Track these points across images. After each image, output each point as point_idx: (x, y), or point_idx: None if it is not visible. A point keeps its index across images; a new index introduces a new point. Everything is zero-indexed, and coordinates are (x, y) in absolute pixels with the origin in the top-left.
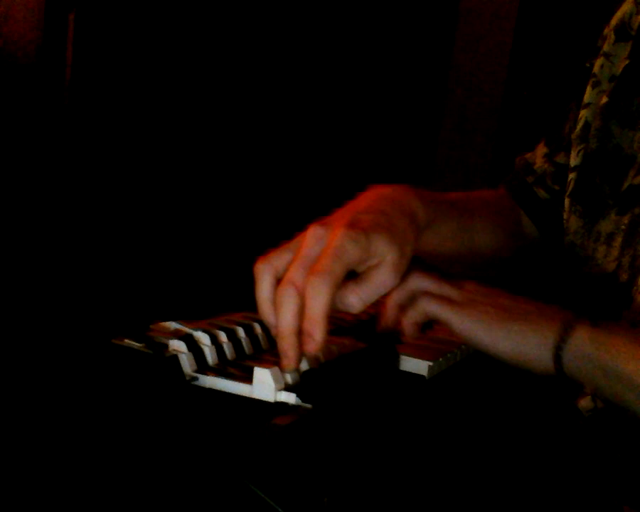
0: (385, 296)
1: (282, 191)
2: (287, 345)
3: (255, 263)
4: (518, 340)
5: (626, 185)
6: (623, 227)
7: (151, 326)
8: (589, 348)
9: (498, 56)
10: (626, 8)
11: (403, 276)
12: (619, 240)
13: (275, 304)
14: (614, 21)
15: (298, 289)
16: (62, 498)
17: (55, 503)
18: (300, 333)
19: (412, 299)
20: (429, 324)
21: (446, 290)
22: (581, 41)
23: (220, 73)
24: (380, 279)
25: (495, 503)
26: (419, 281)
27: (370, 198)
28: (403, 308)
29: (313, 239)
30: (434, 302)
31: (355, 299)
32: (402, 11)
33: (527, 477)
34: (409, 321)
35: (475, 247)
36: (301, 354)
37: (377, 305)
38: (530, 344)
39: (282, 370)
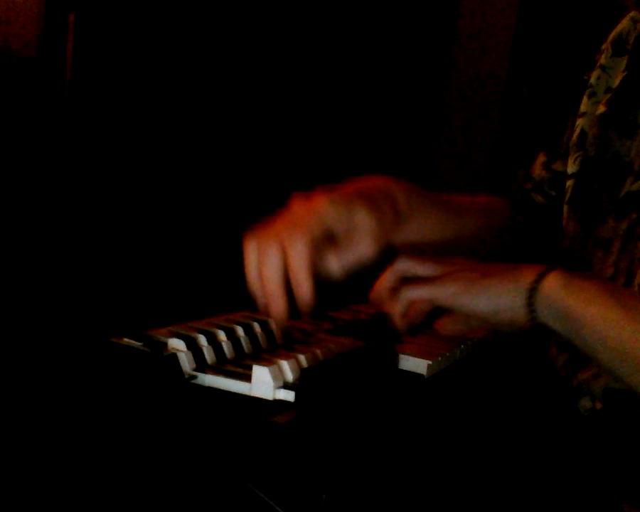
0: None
1: (282, 191)
2: (273, 292)
3: (243, 238)
4: (494, 293)
5: (623, 191)
6: (620, 232)
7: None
8: (559, 293)
9: (498, 56)
10: (623, 24)
11: (389, 263)
12: (616, 245)
13: (259, 261)
14: (611, 36)
15: (279, 244)
16: (62, 496)
17: (54, 502)
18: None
19: (396, 291)
20: (428, 324)
21: (430, 267)
22: (581, 41)
23: (221, 72)
24: (360, 246)
25: (494, 502)
26: (404, 263)
27: (354, 182)
28: (393, 291)
29: (296, 205)
30: (415, 286)
31: (335, 262)
32: (402, 10)
33: (526, 476)
34: (398, 313)
35: (464, 240)
36: (288, 307)
37: (377, 305)
38: (506, 296)
39: (272, 318)
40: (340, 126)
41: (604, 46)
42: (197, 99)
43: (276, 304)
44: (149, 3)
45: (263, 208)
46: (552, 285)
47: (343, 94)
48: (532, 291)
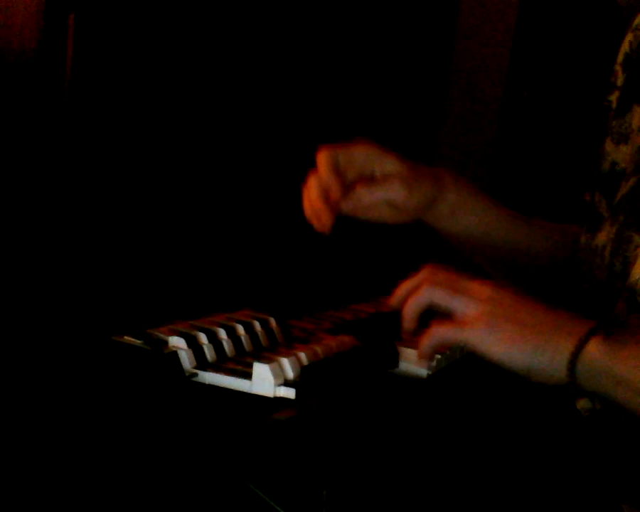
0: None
1: (282, 187)
2: (315, 208)
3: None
4: (533, 355)
5: (618, 196)
6: (612, 236)
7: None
8: (602, 362)
9: (498, 56)
10: (628, 39)
11: (417, 272)
12: (608, 249)
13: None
14: (619, 57)
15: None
16: (62, 494)
17: (54, 500)
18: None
19: (427, 327)
20: (428, 323)
21: (460, 304)
22: (581, 41)
23: (221, 72)
24: (389, 183)
25: (494, 501)
26: (431, 292)
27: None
28: (418, 318)
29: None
30: (447, 327)
31: (365, 190)
32: (402, 10)
33: (526, 476)
34: (426, 348)
35: (521, 251)
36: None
37: (378, 305)
38: (545, 359)
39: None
40: (338, 127)
41: (616, 67)
42: (198, 100)
43: (320, 220)
44: (150, 3)
45: (263, 206)
46: (595, 352)
47: (342, 96)
48: (574, 358)
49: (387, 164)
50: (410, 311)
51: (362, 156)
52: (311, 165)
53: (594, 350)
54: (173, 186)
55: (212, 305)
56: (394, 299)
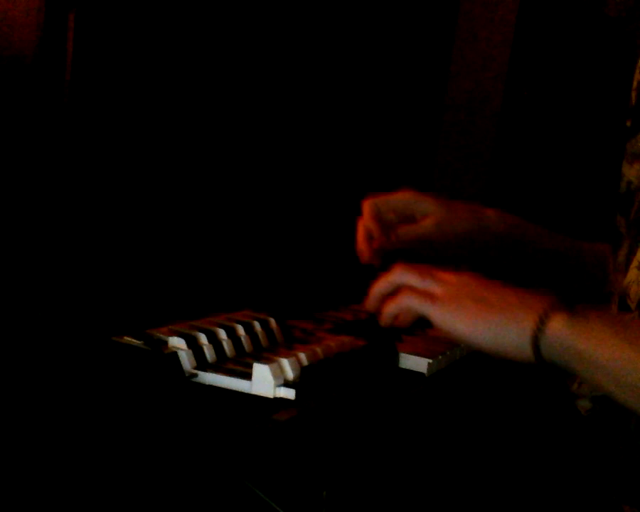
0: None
1: (280, 190)
2: (360, 248)
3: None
4: (497, 332)
5: (632, 214)
6: (626, 251)
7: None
8: (565, 337)
9: (498, 56)
10: (639, 65)
11: (388, 270)
12: (624, 265)
13: None
14: (634, 83)
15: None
16: (62, 494)
17: (54, 500)
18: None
19: (395, 293)
20: (429, 323)
21: (428, 283)
22: (581, 41)
23: (221, 73)
24: (422, 224)
25: (494, 501)
26: (402, 274)
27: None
28: (385, 298)
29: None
30: (415, 298)
31: (401, 231)
32: (401, 10)
33: (526, 476)
34: (389, 313)
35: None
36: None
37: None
38: (509, 335)
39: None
40: (336, 127)
41: (632, 93)
42: (198, 100)
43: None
44: (150, 3)
45: (263, 206)
46: (558, 328)
47: (341, 96)
48: (538, 335)
49: (424, 206)
50: (378, 290)
51: (401, 202)
52: (309, 168)
53: (557, 324)
54: (172, 187)
55: (212, 305)
56: (369, 299)
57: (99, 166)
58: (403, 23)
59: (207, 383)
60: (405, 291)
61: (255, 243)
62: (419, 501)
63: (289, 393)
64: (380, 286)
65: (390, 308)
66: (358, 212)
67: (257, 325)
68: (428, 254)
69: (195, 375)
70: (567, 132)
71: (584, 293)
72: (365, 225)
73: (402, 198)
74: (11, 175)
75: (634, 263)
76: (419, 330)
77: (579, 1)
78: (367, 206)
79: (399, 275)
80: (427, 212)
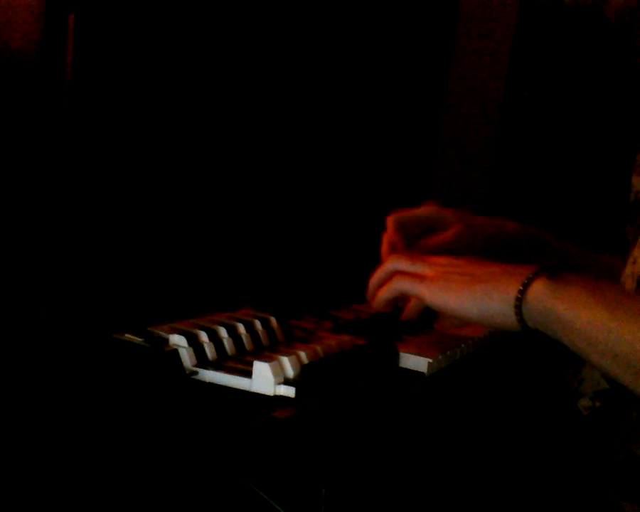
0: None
1: (279, 190)
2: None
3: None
4: (482, 300)
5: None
6: (633, 260)
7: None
8: (545, 300)
9: (498, 56)
10: None
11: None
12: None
13: None
14: None
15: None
16: (62, 493)
17: (54, 499)
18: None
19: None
20: (429, 323)
21: (419, 267)
22: (581, 41)
23: (222, 73)
24: (443, 236)
25: (494, 499)
26: (394, 262)
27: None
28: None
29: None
30: (405, 280)
31: (423, 243)
32: (401, 10)
33: (526, 473)
34: (383, 297)
35: None
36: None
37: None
38: (494, 302)
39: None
40: (335, 127)
41: None
42: (199, 100)
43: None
44: (150, 3)
45: (264, 205)
46: (539, 292)
47: (340, 96)
48: (519, 300)
49: (445, 220)
50: (375, 281)
51: (423, 216)
52: (310, 166)
53: (537, 289)
54: (173, 185)
55: (213, 303)
56: (368, 291)
57: (100, 166)
58: (403, 23)
59: (207, 381)
60: (397, 276)
61: (257, 242)
62: (419, 500)
63: (289, 391)
64: (376, 276)
65: (384, 293)
66: (358, 211)
67: (257, 323)
68: None
69: (196, 373)
70: (568, 132)
71: None
72: (389, 239)
73: (424, 212)
74: (12, 175)
75: (630, 259)
76: (420, 330)
77: (579, 2)
78: (391, 221)
79: (391, 262)
80: (447, 225)
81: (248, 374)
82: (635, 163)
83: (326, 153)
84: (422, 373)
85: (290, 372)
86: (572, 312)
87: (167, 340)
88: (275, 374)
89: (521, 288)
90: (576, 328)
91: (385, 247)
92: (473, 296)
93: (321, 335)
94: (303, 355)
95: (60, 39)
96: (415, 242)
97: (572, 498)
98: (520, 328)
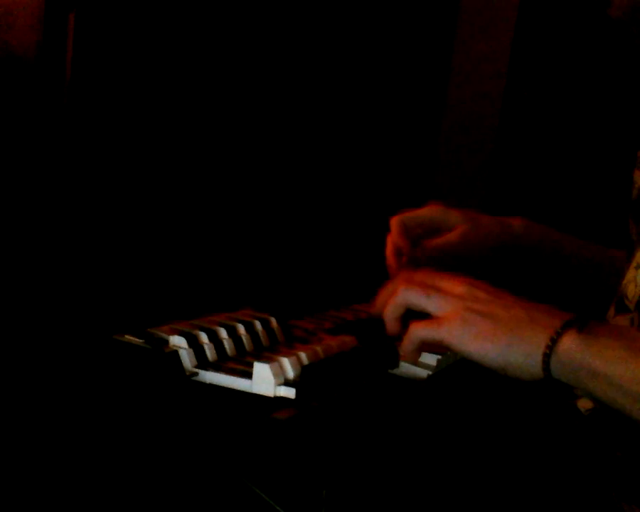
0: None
1: (279, 190)
2: (389, 263)
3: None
4: (507, 349)
5: None
6: (638, 259)
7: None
8: (576, 355)
9: (498, 56)
10: None
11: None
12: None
13: None
14: None
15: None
16: (62, 493)
17: (55, 499)
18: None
19: (406, 329)
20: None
21: (434, 301)
22: (581, 41)
23: (222, 73)
24: (448, 236)
25: (494, 501)
26: (406, 295)
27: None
28: (397, 320)
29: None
30: (424, 329)
31: (428, 244)
32: (401, 10)
33: (526, 474)
34: (408, 350)
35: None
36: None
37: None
38: (519, 354)
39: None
40: (334, 127)
41: None
42: (199, 101)
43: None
44: (150, 3)
45: (264, 205)
46: (571, 348)
47: (340, 96)
48: (547, 356)
49: (450, 220)
50: (389, 315)
51: (427, 217)
52: (309, 164)
53: (568, 343)
54: (173, 186)
55: (213, 304)
56: (374, 308)
57: (100, 166)
58: (403, 24)
59: (207, 382)
60: (413, 326)
61: (257, 243)
62: (419, 500)
63: (290, 392)
64: (389, 310)
65: (408, 343)
66: (358, 211)
67: (257, 324)
68: (454, 266)
69: (196, 374)
70: (569, 130)
71: (602, 302)
72: (393, 241)
73: (428, 213)
74: (12, 174)
75: (633, 263)
76: None
77: (581, 0)
78: (395, 223)
79: (402, 296)
80: (453, 226)
81: (248, 375)
82: (637, 160)
83: (325, 153)
84: (422, 374)
85: (290, 373)
86: (610, 368)
87: (167, 342)
88: (275, 375)
89: (550, 344)
90: (612, 381)
91: (389, 249)
92: (498, 346)
93: (321, 335)
94: (303, 356)
95: (60, 39)
96: (420, 242)
97: (572, 498)
98: (543, 378)
